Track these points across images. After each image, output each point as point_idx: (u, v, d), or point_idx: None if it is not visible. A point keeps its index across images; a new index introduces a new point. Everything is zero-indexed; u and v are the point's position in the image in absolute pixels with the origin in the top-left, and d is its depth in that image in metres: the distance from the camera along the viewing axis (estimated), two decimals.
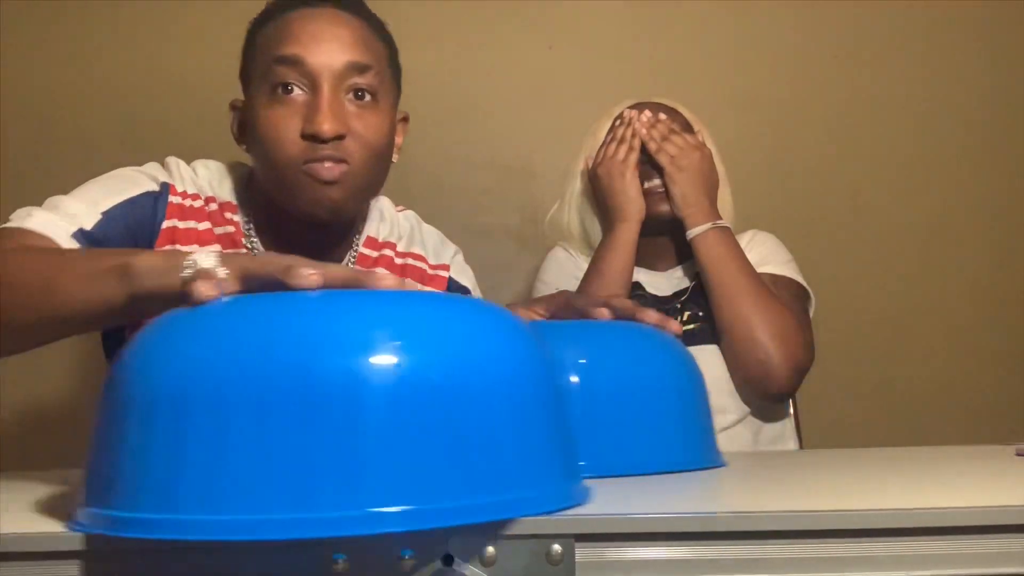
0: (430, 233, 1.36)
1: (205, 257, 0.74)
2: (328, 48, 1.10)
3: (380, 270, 0.82)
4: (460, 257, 1.37)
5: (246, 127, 1.17)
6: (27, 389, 1.96)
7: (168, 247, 1.14)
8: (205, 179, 1.21)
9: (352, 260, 1.24)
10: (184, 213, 1.17)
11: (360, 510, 0.59)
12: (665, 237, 1.62)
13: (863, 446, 1.51)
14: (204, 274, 0.72)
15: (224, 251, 0.95)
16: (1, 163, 1.99)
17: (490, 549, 0.64)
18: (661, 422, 0.96)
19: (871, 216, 2.15)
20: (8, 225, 1.06)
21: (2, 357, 0.96)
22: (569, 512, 0.67)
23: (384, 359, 0.62)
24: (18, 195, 2.07)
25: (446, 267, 1.32)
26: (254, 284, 0.72)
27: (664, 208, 1.57)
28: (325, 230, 1.19)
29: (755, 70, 2.14)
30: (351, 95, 1.12)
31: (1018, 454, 1.10)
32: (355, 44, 1.12)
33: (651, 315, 1.04)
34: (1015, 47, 2.17)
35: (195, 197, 1.19)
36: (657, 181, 1.57)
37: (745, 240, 1.63)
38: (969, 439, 1.51)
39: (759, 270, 1.55)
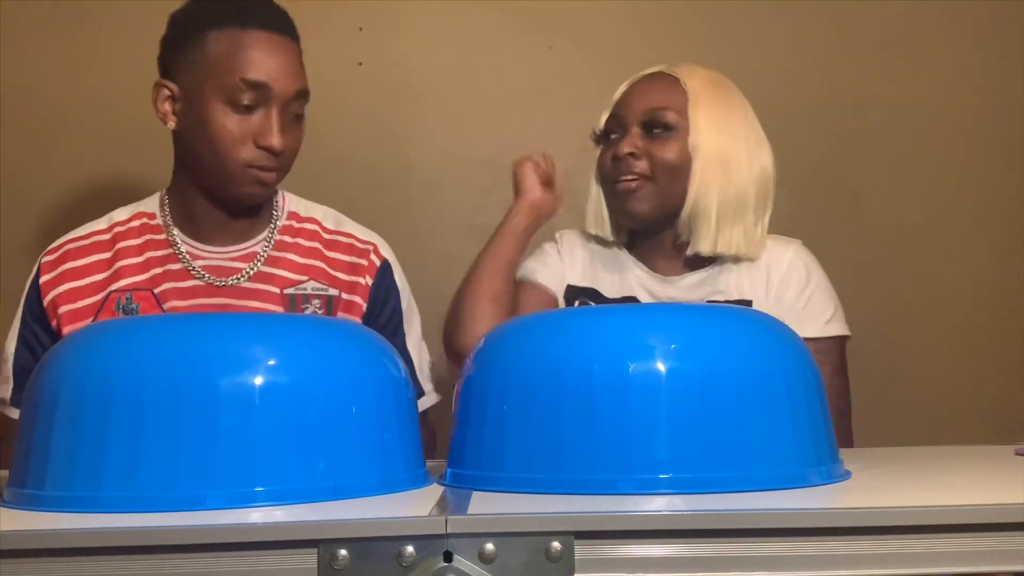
0: (351, 221, 1.51)
1: None
2: (285, 77, 1.31)
3: None
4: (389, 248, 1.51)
5: (188, 118, 1.34)
6: None
7: None
8: (133, 209, 1.44)
9: (274, 232, 1.42)
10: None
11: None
12: (668, 240, 1.56)
13: (863, 445, 1.51)
14: None
15: None
16: (1, 163, 1.99)
17: (489, 546, 0.64)
18: (769, 426, 0.85)
19: (871, 216, 2.14)
20: None
21: None
22: (569, 510, 0.67)
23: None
24: (19, 194, 2.07)
25: (374, 245, 1.47)
26: None
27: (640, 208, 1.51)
28: (244, 217, 1.40)
29: (755, 70, 2.13)
30: (291, 115, 1.34)
31: (1018, 454, 1.10)
32: (299, 72, 1.35)
33: None
34: (1016, 47, 2.17)
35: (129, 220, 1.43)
36: (630, 178, 1.50)
37: (784, 267, 1.53)
38: (969, 439, 1.51)
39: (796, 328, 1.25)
